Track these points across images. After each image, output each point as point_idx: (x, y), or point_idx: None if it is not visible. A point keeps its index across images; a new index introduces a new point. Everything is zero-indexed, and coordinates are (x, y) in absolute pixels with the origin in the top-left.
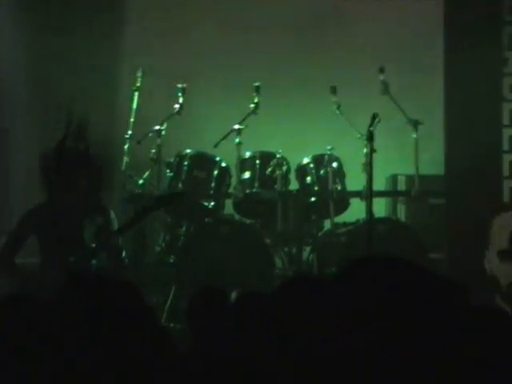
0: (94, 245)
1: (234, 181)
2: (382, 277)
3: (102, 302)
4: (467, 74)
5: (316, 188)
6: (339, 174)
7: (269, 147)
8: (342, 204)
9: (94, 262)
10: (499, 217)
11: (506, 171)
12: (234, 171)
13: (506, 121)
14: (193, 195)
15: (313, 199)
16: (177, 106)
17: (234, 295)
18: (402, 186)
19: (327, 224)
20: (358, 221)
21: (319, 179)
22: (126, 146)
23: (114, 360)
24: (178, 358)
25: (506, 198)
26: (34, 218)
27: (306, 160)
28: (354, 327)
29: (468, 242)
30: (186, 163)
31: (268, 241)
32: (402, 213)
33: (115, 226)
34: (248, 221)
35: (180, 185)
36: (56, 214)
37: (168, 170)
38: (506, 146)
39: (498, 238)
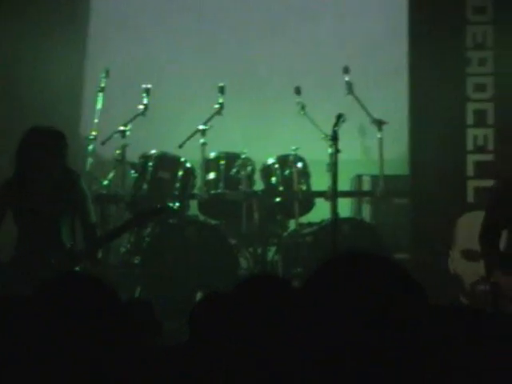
0: (70, 244)
1: (198, 181)
2: (360, 274)
3: (83, 301)
4: (431, 74)
5: (281, 188)
6: (304, 174)
7: (234, 148)
8: (307, 204)
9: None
10: (463, 217)
11: (470, 171)
12: (198, 172)
13: (470, 121)
14: (168, 211)
15: (278, 199)
16: (141, 106)
17: (199, 296)
18: (366, 186)
19: (292, 224)
20: (322, 221)
21: (284, 179)
22: (90, 147)
23: (91, 358)
24: (159, 355)
25: (470, 198)
26: (7, 191)
27: (270, 160)
28: (323, 325)
29: (432, 242)
30: (150, 164)
31: (233, 241)
32: (366, 213)
33: (88, 196)
34: (213, 221)
35: (145, 186)
36: (27, 186)
37: (132, 171)
38: (470, 146)
39: (462, 237)
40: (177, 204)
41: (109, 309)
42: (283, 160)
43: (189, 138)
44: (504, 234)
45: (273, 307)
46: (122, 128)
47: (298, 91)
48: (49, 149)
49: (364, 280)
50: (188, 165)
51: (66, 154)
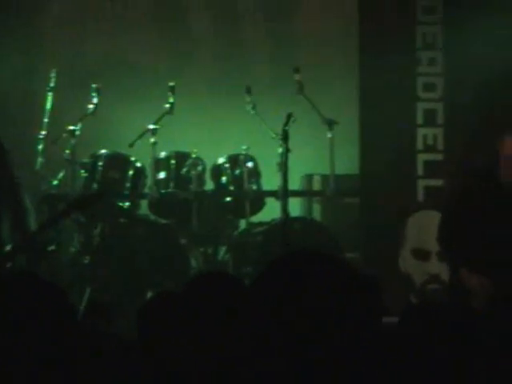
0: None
1: (149, 181)
2: (309, 273)
3: (29, 302)
4: (382, 73)
5: (231, 188)
6: (254, 173)
7: (184, 147)
8: (258, 204)
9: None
10: (413, 216)
11: (420, 170)
12: (149, 171)
13: (419, 120)
14: (108, 195)
15: (228, 199)
16: (91, 106)
17: (149, 295)
18: (317, 185)
19: (243, 224)
20: (273, 220)
21: (234, 179)
22: (40, 147)
23: (40, 359)
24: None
25: (420, 197)
26: None
27: (221, 160)
28: (273, 324)
29: (383, 241)
30: (100, 163)
31: (183, 241)
32: (317, 212)
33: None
34: (163, 221)
35: (95, 185)
36: None
37: (83, 171)
38: (420, 146)
39: (412, 236)
40: (127, 203)
41: (57, 310)
42: (234, 159)
43: (139, 138)
44: None
45: (223, 305)
46: (71, 127)
47: (248, 91)
48: None
49: (313, 278)
50: (138, 164)
51: None
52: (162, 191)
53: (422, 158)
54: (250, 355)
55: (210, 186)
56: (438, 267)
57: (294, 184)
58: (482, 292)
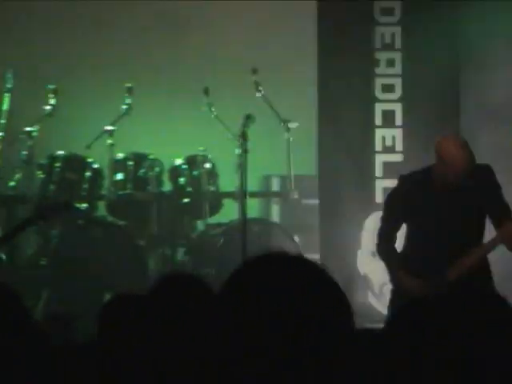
0: None
1: (106, 182)
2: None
3: None
4: (340, 74)
5: (189, 189)
6: (212, 174)
7: (141, 148)
8: (216, 205)
9: None
10: (371, 217)
11: (378, 172)
12: (106, 172)
13: (378, 121)
14: (73, 207)
15: (186, 200)
16: (48, 107)
17: (107, 297)
18: (275, 186)
19: (201, 225)
20: (231, 221)
21: (192, 180)
22: None
23: None
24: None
25: (378, 198)
26: None
27: (178, 161)
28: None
29: (341, 242)
30: (57, 165)
31: (141, 242)
32: (275, 213)
33: None
34: (121, 222)
35: (52, 187)
36: None
37: (40, 172)
38: (378, 147)
39: (370, 238)
40: (84, 205)
41: (10, 314)
42: (191, 161)
43: (96, 139)
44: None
45: (188, 307)
46: (28, 129)
47: (206, 92)
48: None
49: (285, 281)
50: (96, 165)
51: None
52: (120, 192)
53: (380, 158)
54: (216, 358)
55: (167, 187)
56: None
57: (253, 185)
58: (418, 294)
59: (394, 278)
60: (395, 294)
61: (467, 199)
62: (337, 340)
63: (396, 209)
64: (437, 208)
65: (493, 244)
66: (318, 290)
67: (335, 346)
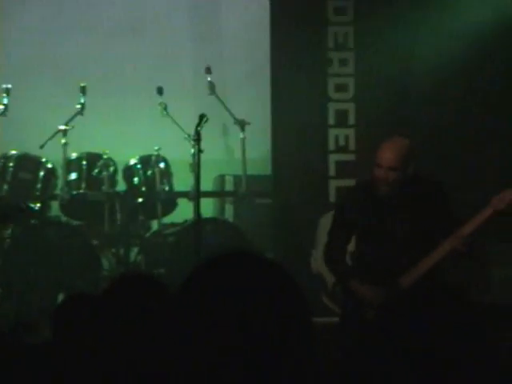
0: None
1: (60, 182)
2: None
3: None
4: (293, 74)
5: (143, 189)
6: (166, 174)
7: (95, 148)
8: (170, 204)
9: None
10: (325, 216)
11: (332, 171)
12: (60, 172)
13: (331, 121)
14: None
15: (140, 200)
16: (1, 106)
17: (60, 297)
18: (229, 186)
19: (155, 225)
20: (185, 221)
21: (146, 180)
22: None
23: None
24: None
25: (332, 197)
26: None
27: (133, 161)
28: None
29: (295, 242)
30: (10, 165)
31: (95, 242)
32: (229, 213)
33: None
34: (75, 222)
35: (5, 186)
36: None
37: None
38: (332, 146)
39: (324, 237)
40: (38, 205)
41: None
42: (145, 160)
43: (50, 139)
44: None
45: (143, 307)
46: None
47: (160, 91)
48: None
49: (245, 280)
50: (49, 165)
51: None
52: (74, 192)
53: (333, 158)
54: (174, 358)
55: (121, 186)
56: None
57: (207, 185)
58: (373, 302)
59: (347, 290)
60: (347, 297)
61: (414, 209)
62: (297, 338)
63: (343, 222)
64: (385, 219)
65: (443, 251)
66: (279, 288)
67: (295, 344)
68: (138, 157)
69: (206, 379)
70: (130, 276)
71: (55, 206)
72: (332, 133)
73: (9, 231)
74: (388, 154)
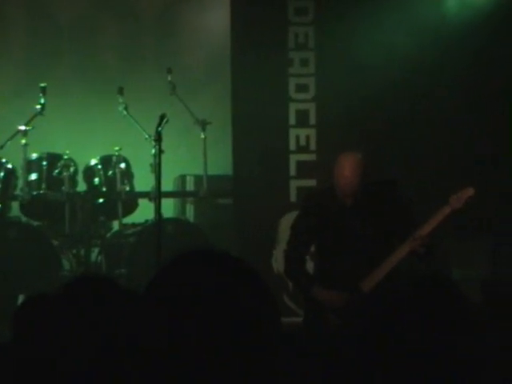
0: None
1: (20, 182)
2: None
3: None
4: (254, 74)
5: (104, 189)
6: (127, 174)
7: (56, 148)
8: (131, 205)
9: None
10: (286, 216)
11: (293, 171)
12: (20, 173)
13: (292, 121)
14: None
15: (101, 200)
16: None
17: (21, 298)
18: (190, 186)
19: (115, 225)
20: (146, 221)
21: (107, 180)
22: None
23: None
24: None
25: (292, 197)
26: None
27: (93, 161)
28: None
29: (256, 242)
30: None
31: (55, 242)
32: (190, 213)
33: None
34: (35, 223)
35: None
36: None
37: None
38: (292, 146)
39: (285, 237)
40: None
41: None
42: (106, 161)
43: (10, 139)
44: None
45: (102, 307)
46: None
47: (120, 92)
48: None
49: (211, 278)
50: (9, 166)
51: None
52: (34, 193)
53: (294, 158)
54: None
55: (82, 187)
56: (310, 267)
57: (168, 185)
58: (335, 306)
59: (309, 297)
60: (309, 304)
61: (373, 213)
62: (265, 338)
63: (303, 230)
64: (344, 224)
65: (402, 253)
66: (246, 284)
67: (264, 344)
68: (98, 157)
69: (168, 376)
70: (86, 277)
71: (15, 206)
72: (293, 133)
73: None
74: (346, 172)
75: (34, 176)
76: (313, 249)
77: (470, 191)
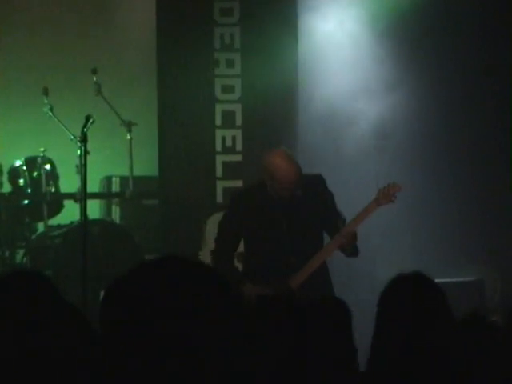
0: None
1: None
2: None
3: None
4: (180, 74)
5: (29, 190)
6: (53, 176)
7: None
8: (56, 206)
9: None
10: (213, 217)
11: (219, 172)
12: None
13: (218, 121)
14: None
15: (26, 202)
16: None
17: None
18: (116, 187)
19: (41, 226)
20: (72, 223)
21: (32, 181)
22: None
23: None
24: None
25: (219, 198)
26: None
27: (18, 162)
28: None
29: (182, 242)
30: None
31: None
32: (116, 214)
33: None
34: None
35: None
36: None
37: None
38: (219, 147)
39: (211, 237)
40: None
41: None
42: (31, 162)
43: None
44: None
45: (34, 305)
46: None
47: (45, 92)
48: None
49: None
50: None
51: None
52: None
53: (220, 159)
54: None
55: (7, 188)
56: (239, 267)
57: (93, 186)
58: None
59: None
60: None
61: (301, 210)
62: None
63: (232, 228)
64: (273, 221)
65: (330, 250)
66: (214, 291)
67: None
68: (23, 158)
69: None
70: (16, 273)
71: None
72: (219, 134)
73: None
74: (288, 166)
75: None
76: (241, 249)
77: (397, 187)
